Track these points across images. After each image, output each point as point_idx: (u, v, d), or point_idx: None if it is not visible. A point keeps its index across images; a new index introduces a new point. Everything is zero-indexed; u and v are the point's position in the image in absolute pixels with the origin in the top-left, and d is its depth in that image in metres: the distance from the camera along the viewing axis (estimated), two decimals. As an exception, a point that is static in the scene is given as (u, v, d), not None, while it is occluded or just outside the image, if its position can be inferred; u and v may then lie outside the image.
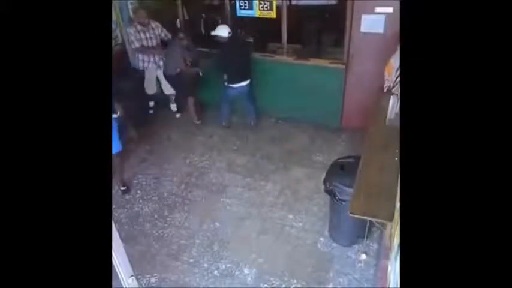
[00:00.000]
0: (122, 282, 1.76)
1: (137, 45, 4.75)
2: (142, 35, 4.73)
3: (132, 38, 4.72)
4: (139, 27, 4.70)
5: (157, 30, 4.82)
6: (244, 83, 4.56)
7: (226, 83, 4.51)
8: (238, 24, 4.92)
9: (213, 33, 4.43)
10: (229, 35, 4.36)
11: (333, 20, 4.61)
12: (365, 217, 2.26)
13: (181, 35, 4.56)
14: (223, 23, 5.01)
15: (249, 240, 3.42)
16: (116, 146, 3.66)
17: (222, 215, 3.70)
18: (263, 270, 3.13)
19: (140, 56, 4.88)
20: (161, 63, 4.92)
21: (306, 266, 3.15)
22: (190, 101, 4.90)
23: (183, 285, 3.06)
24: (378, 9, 3.94)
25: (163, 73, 4.90)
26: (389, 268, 1.93)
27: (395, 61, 3.04)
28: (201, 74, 4.75)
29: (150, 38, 4.77)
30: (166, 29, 4.88)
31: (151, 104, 5.29)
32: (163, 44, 4.92)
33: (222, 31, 4.37)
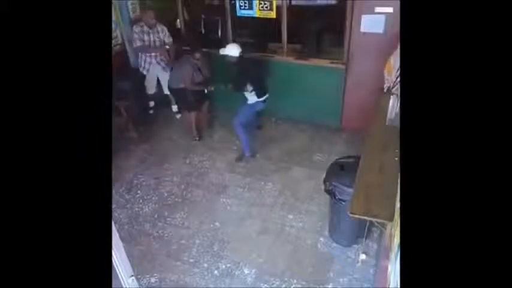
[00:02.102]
0: (122, 282, 1.76)
1: (138, 44, 4.75)
2: (146, 37, 4.72)
3: (136, 36, 4.72)
4: (145, 28, 4.70)
5: (162, 35, 4.81)
6: (267, 95, 4.27)
7: (254, 99, 4.18)
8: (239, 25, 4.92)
9: (221, 52, 4.17)
10: (241, 54, 4.09)
11: (333, 20, 4.61)
12: (365, 217, 2.26)
13: (197, 55, 4.33)
14: (223, 23, 5.02)
15: (249, 240, 3.42)
16: None
17: (222, 215, 3.70)
18: (263, 270, 3.13)
19: (143, 56, 4.88)
20: (163, 64, 4.92)
21: (306, 266, 3.15)
22: (191, 116, 4.71)
23: (183, 285, 3.06)
24: (378, 9, 3.94)
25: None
26: (390, 268, 1.93)
27: (394, 60, 3.04)
28: (206, 91, 4.65)
29: (154, 41, 4.77)
30: (167, 30, 4.87)
31: (152, 104, 5.29)
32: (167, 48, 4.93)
33: (233, 51, 4.08)
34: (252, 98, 4.20)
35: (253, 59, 4.48)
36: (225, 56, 4.14)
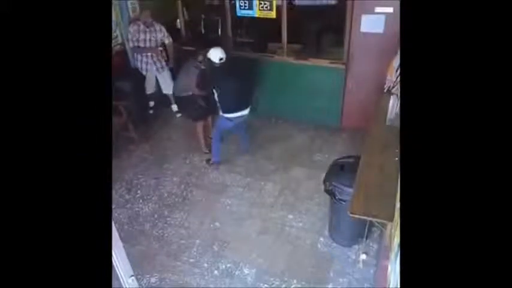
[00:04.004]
0: (122, 282, 1.76)
1: (131, 44, 4.78)
2: (141, 36, 4.72)
3: (130, 36, 4.75)
4: (142, 27, 4.70)
5: (160, 34, 4.80)
6: (244, 112, 3.97)
7: (221, 113, 3.96)
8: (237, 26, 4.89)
9: (207, 55, 3.89)
10: (221, 60, 3.81)
11: (333, 20, 4.61)
12: (365, 217, 2.26)
13: (200, 57, 4.09)
14: (223, 23, 5.02)
15: (249, 240, 3.42)
16: None
17: (222, 215, 3.70)
18: (263, 270, 3.13)
19: (139, 57, 4.88)
20: (159, 64, 4.92)
21: (306, 266, 3.15)
22: (199, 127, 4.42)
23: (183, 285, 3.06)
24: (378, 9, 3.94)
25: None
26: (389, 268, 1.93)
27: (396, 62, 3.04)
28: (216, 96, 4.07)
29: (150, 40, 4.76)
30: (167, 30, 4.88)
31: (152, 104, 5.29)
32: (164, 47, 4.93)
33: (213, 55, 3.81)
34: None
35: (238, 66, 4.17)
36: (208, 60, 3.92)
